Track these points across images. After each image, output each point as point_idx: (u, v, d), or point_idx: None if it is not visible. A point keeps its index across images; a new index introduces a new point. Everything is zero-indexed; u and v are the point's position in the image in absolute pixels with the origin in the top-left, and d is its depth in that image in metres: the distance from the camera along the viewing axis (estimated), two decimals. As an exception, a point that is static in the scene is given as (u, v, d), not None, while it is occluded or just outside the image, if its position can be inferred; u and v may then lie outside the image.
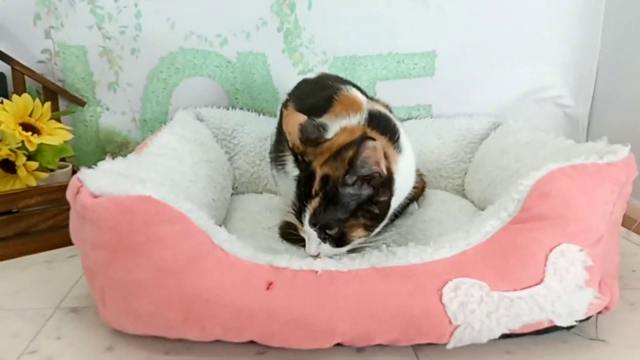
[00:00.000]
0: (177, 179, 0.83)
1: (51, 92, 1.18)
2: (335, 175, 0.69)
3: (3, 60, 1.13)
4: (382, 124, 0.78)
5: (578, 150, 0.75)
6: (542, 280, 0.63)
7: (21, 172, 0.97)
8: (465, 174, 1.21)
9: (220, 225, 0.71)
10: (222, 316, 0.63)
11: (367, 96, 0.90)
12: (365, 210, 0.71)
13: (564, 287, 0.62)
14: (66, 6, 1.17)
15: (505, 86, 1.33)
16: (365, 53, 1.29)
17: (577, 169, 0.67)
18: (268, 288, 0.63)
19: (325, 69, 1.28)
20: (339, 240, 0.71)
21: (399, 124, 0.82)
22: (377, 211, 0.72)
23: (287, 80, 1.23)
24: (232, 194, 1.15)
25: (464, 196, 1.18)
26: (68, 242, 0.96)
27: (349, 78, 1.03)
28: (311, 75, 1.01)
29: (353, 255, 0.67)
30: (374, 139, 0.68)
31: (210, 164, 0.99)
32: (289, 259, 0.66)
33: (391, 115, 0.83)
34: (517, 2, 1.28)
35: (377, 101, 0.86)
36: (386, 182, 0.72)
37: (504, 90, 1.33)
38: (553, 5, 1.30)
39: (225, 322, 0.63)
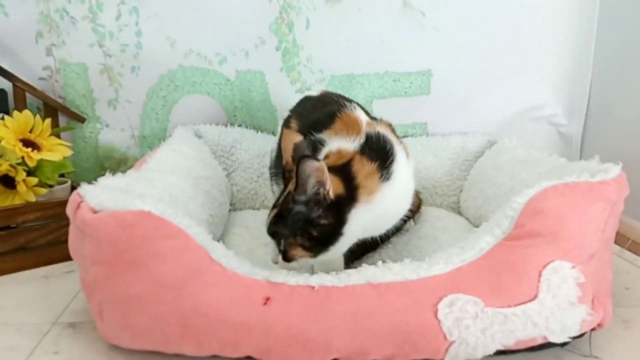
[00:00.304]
0: (176, 195, 0.84)
1: (52, 109, 1.19)
2: (291, 192, 0.70)
3: (4, 76, 1.14)
4: (375, 149, 0.77)
5: (571, 169, 0.76)
6: (535, 297, 0.64)
7: (21, 187, 0.97)
8: (461, 191, 1.22)
9: (218, 241, 0.72)
10: (220, 331, 0.63)
11: (370, 116, 0.89)
12: (304, 231, 0.70)
13: (557, 303, 0.63)
14: (68, 24, 1.19)
15: (500, 105, 1.35)
16: (362, 72, 1.31)
17: (570, 186, 0.69)
18: (265, 303, 0.64)
19: (322, 87, 1.30)
20: (284, 255, 0.72)
21: (397, 149, 0.79)
22: (315, 234, 0.70)
23: (285, 97, 1.25)
24: (230, 210, 1.16)
25: (460, 213, 1.20)
26: (66, 258, 0.98)
27: (346, 96, 1.05)
28: (313, 92, 1.02)
29: (349, 270, 0.68)
30: (316, 159, 0.68)
31: (208, 180, 1.00)
32: (286, 274, 0.67)
33: (391, 138, 0.80)
34: (511, 23, 1.31)
35: (379, 121, 0.85)
36: (332, 207, 0.70)
37: (498, 109, 1.35)
38: (546, 25, 1.32)
39: (222, 337, 0.64)
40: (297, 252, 0.72)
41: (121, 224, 0.63)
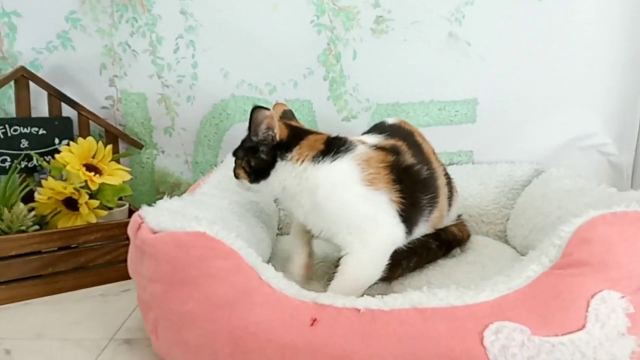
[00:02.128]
0: (227, 218, 0.88)
1: (113, 136, 1.26)
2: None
3: (70, 105, 1.22)
4: (336, 144, 0.84)
5: (619, 198, 0.76)
6: (583, 326, 0.63)
7: (83, 209, 1.03)
8: (507, 220, 1.21)
9: (267, 263, 0.75)
10: (268, 350, 0.65)
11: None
12: (248, 159, 0.85)
13: (606, 333, 0.62)
14: (130, 57, 1.27)
15: (547, 133, 1.34)
16: (407, 100, 1.33)
17: (618, 216, 0.68)
18: (312, 324, 0.65)
19: (368, 116, 1.33)
20: (234, 170, 0.88)
21: (361, 152, 0.83)
22: (253, 164, 0.84)
23: (331, 125, 1.29)
24: (277, 234, 1.19)
25: (506, 242, 1.18)
26: (122, 277, 1.04)
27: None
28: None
29: (395, 295, 0.69)
30: (267, 109, 0.81)
31: (257, 205, 1.04)
32: (332, 296, 0.68)
33: (355, 142, 0.86)
34: (558, 51, 1.30)
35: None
36: (273, 149, 0.83)
37: (546, 138, 1.34)
38: (595, 53, 1.31)
39: (270, 356, 0.65)
40: (240, 172, 0.87)
41: (178, 244, 0.66)
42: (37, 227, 1.01)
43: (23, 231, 0.99)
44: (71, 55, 1.26)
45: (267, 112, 0.81)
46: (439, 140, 1.31)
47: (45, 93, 1.19)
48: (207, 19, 1.25)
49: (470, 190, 1.24)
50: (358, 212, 0.80)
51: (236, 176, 0.89)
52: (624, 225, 0.67)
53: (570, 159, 1.33)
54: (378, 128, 0.97)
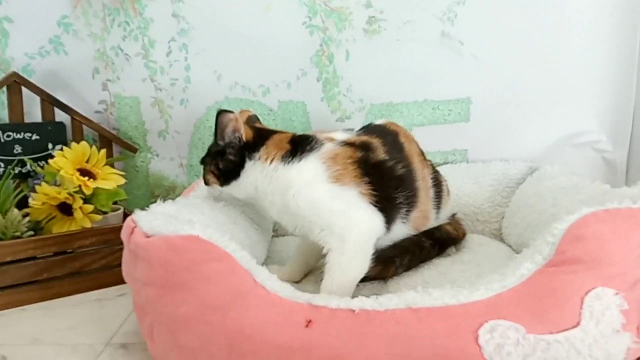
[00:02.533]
0: (222, 221, 0.88)
1: (107, 140, 1.26)
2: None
3: (64, 110, 1.22)
4: (301, 139, 0.87)
5: (613, 195, 0.75)
6: (578, 324, 0.63)
7: (78, 214, 1.03)
8: (503, 218, 1.21)
9: (262, 266, 0.75)
10: (263, 352, 0.65)
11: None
12: (216, 162, 0.87)
13: (601, 330, 0.62)
14: (123, 61, 1.27)
15: (541, 131, 1.34)
16: (401, 100, 1.33)
17: (611, 213, 0.68)
18: (307, 326, 0.65)
19: (362, 116, 1.33)
20: (204, 177, 0.91)
21: (327, 150, 0.85)
22: (221, 166, 0.87)
23: (325, 126, 1.28)
24: (273, 237, 1.19)
25: (502, 241, 1.18)
26: (118, 282, 1.04)
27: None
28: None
29: (390, 295, 0.69)
30: (231, 112, 0.84)
31: (252, 207, 1.04)
32: (327, 298, 0.68)
33: (321, 140, 0.87)
34: (551, 50, 1.30)
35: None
36: (240, 150, 0.86)
37: (540, 136, 1.34)
38: (588, 51, 1.31)
39: (266, 358, 0.65)
40: (210, 177, 0.89)
41: (172, 247, 0.66)
42: (32, 232, 1.01)
43: (18, 237, 0.99)
44: (64, 60, 1.26)
45: (231, 116, 0.84)
46: (433, 140, 1.33)
47: (38, 98, 1.19)
48: (200, 22, 1.25)
49: (465, 189, 1.25)
50: (327, 209, 0.80)
51: (206, 182, 0.91)
52: (617, 222, 0.67)
53: (564, 157, 1.33)
54: (365, 129, 0.97)
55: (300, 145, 0.85)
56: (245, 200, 0.92)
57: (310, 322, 0.65)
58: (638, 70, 1.31)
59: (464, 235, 1.10)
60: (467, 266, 0.97)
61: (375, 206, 0.82)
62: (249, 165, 0.85)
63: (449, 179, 1.11)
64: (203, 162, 0.92)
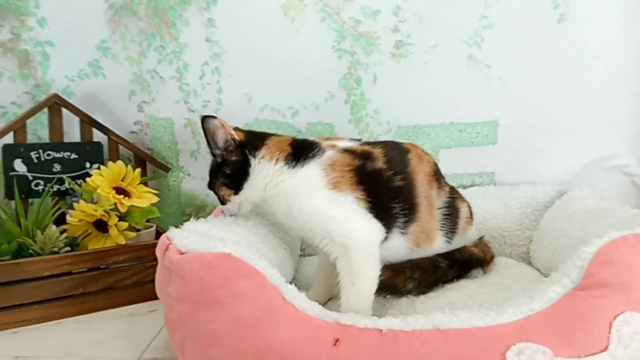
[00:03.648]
0: (251, 239, 0.90)
1: (141, 159, 1.30)
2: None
3: (101, 130, 1.26)
4: (302, 147, 0.89)
5: (642, 219, 0.75)
6: (606, 348, 0.63)
7: (112, 231, 1.07)
8: (530, 241, 1.21)
9: (290, 284, 0.76)
10: (292, 369, 0.66)
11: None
12: (222, 172, 0.88)
13: (629, 355, 0.62)
14: (158, 84, 1.31)
15: (569, 155, 1.33)
16: (427, 122, 1.35)
17: (640, 237, 0.68)
18: (335, 344, 0.66)
19: (389, 138, 1.35)
20: (219, 198, 0.91)
21: (327, 157, 0.86)
22: (228, 171, 0.88)
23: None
24: (300, 256, 1.20)
25: (530, 263, 1.18)
26: (150, 297, 1.06)
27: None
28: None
29: (417, 315, 0.69)
30: (214, 117, 0.86)
31: (280, 227, 1.05)
32: (354, 316, 0.69)
33: (323, 147, 0.89)
34: (578, 72, 1.31)
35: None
36: (239, 147, 0.87)
37: (568, 159, 1.34)
38: (616, 73, 1.31)
39: (294, 375, 0.66)
40: (223, 191, 0.90)
41: (204, 264, 0.69)
42: (68, 248, 1.05)
43: (55, 252, 1.02)
44: (102, 82, 1.31)
45: (215, 121, 0.86)
46: (460, 162, 1.34)
47: (77, 119, 1.24)
48: (232, 46, 1.29)
49: (492, 212, 1.24)
50: (326, 215, 0.82)
51: (222, 201, 0.92)
52: (646, 246, 0.67)
53: (593, 180, 1.32)
54: (378, 142, 0.98)
55: (302, 150, 0.88)
56: (260, 204, 0.92)
57: (337, 340, 0.66)
58: (667, 93, 1.30)
59: (492, 257, 1.10)
60: (494, 288, 0.97)
61: (371, 212, 0.83)
62: (255, 162, 0.87)
63: (475, 201, 1.11)
64: (210, 186, 0.93)
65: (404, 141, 1.01)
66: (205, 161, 1.34)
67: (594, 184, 1.28)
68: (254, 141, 0.89)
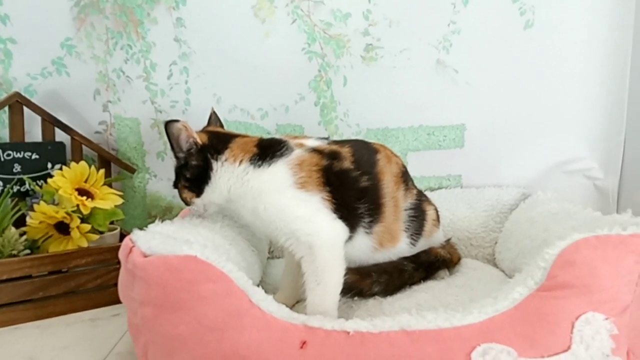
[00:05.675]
0: (218, 242, 0.89)
1: (105, 160, 1.27)
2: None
3: (64, 130, 1.22)
4: (271, 143, 0.89)
5: (603, 222, 0.77)
6: (569, 348, 0.64)
7: (75, 233, 1.04)
8: (496, 243, 1.23)
9: (257, 287, 0.75)
10: (258, 373, 0.65)
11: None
12: (183, 175, 0.88)
13: (591, 355, 0.63)
14: (124, 83, 1.29)
15: (534, 158, 1.37)
16: (396, 126, 1.36)
17: (601, 239, 0.70)
18: (302, 347, 0.66)
19: (358, 141, 1.35)
20: (182, 198, 0.92)
21: (295, 156, 0.86)
22: (189, 175, 0.88)
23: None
24: (268, 258, 1.19)
25: (495, 265, 1.20)
26: (112, 301, 1.04)
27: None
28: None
29: (384, 317, 0.70)
30: (178, 121, 0.85)
31: (248, 229, 1.05)
32: (322, 319, 0.69)
33: (291, 145, 0.89)
34: (544, 77, 1.34)
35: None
36: (200, 152, 0.87)
37: (533, 162, 1.37)
38: (580, 79, 1.35)
39: (260, 379, 0.66)
40: (185, 193, 0.90)
41: (169, 267, 0.67)
42: (28, 251, 1.02)
43: (14, 255, 0.99)
44: (66, 81, 1.27)
45: (179, 124, 0.85)
46: (428, 164, 1.36)
47: (39, 118, 1.20)
48: (201, 46, 1.28)
49: (458, 214, 1.26)
50: (292, 214, 0.82)
51: (186, 202, 0.92)
52: (607, 248, 0.69)
53: (556, 183, 1.36)
54: (348, 142, 0.98)
55: (269, 149, 0.87)
56: (225, 205, 0.92)
57: (304, 343, 0.66)
58: (628, 100, 1.34)
59: (459, 259, 1.11)
60: (460, 290, 0.98)
61: (336, 212, 0.84)
62: (217, 166, 0.87)
63: (443, 204, 1.12)
64: (175, 185, 0.92)
65: (374, 141, 1.01)
66: (172, 162, 1.33)
67: (557, 187, 1.32)
68: (217, 144, 0.89)
